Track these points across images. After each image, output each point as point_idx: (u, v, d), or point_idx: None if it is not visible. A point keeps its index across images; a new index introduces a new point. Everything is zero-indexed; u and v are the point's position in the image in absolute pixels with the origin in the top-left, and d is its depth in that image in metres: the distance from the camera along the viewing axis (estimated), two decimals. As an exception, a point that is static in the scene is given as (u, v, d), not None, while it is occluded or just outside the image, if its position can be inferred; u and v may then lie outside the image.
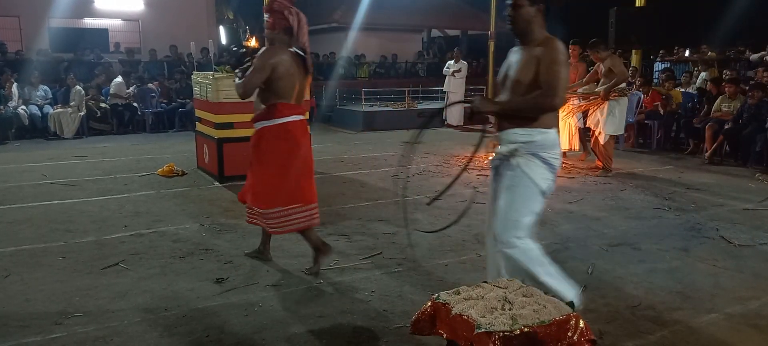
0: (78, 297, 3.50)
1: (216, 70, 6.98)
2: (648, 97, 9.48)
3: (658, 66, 13.37)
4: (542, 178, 2.77)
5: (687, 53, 13.71)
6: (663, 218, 5.36)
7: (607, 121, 7.13)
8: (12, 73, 10.49)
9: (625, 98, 7.42)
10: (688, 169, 7.66)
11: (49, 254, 4.26)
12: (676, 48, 14.20)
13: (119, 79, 11.39)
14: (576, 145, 8.04)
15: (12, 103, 10.18)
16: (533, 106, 2.73)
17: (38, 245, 4.46)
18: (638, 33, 9.96)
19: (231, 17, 15.24)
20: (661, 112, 9.30)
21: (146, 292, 3.60)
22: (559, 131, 2.86)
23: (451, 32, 20.61)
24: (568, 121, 7.80)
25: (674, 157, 8.59)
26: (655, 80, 12.13)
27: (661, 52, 13.92)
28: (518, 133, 2.78)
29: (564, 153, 8.19)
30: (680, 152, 8.96)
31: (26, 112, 10.29)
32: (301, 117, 3.75)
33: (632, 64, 11.08)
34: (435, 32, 20.83)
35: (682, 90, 10.10)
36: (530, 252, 2.79)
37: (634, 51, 10.98)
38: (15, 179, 6.84)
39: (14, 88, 10.39)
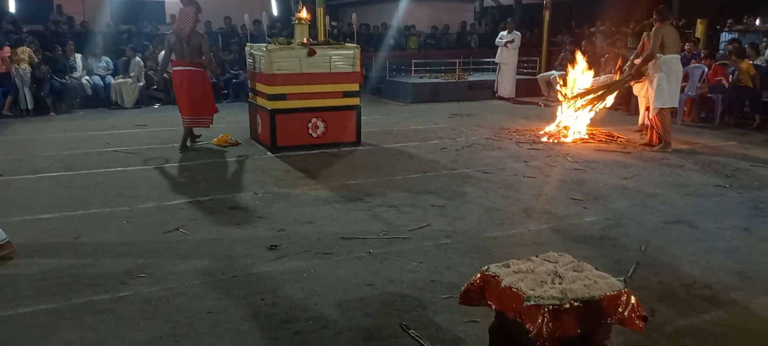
0: (142, 259, 3.71)
1: (269, 42, 7.09)
2: (711, 71, 9.02)
3: (725, 36, 12.63)
4: None
5: (758, 23, 12.90)
6: (724, 196, 5.17)
7: (655, 94, 6.83)
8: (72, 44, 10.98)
9: (675, 70, 6.93)
10: (753, 146, 7.31)
11: (115, 218, 4.51)
12: (746, 17, 13.38)
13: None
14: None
15: (77, 74, 10.67)
16: None
17: (105, 209, 4.73)
18: (705, 2, 9.44)
19: (283, -11, 15.39)
20: (725, 85, 8.86)
21: (205, 256, 3.78)
22: None
23: (505, 2, 20.07)
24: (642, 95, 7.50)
25: (739, 133, 8.20)
26: (721, 52, 11.51)
27: (728, 21, 13.14)
28: None
29: (640, 129, 7.92)
30: (745, 128, 8.55)
31: (89, 82, 10.77)
32: (181, 68, 6.80)
33: (696, 35, 10.54)
34: (488, 2, 20.33)
35: (752, 63, 9.54)
36: None
37: (699, 21, 10.43)
38: (82, 147, 7.21)
39: (79, 59, 10.88)
